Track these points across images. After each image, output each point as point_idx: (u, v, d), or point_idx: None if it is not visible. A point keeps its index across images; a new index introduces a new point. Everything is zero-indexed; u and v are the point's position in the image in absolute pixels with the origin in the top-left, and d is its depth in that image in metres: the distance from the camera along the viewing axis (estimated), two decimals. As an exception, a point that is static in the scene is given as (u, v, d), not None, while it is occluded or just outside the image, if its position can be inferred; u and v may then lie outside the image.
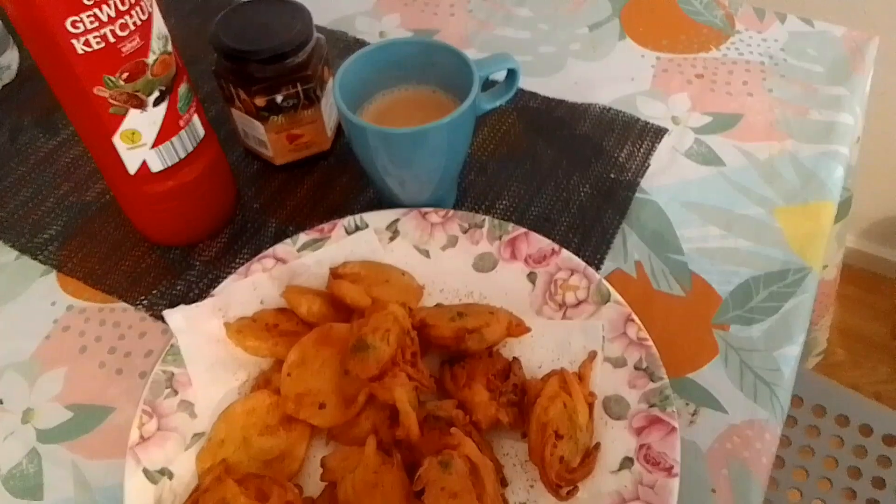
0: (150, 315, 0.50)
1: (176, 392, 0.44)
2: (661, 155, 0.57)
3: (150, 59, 0.43)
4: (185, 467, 0.41)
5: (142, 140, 0.46)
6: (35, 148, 0.61)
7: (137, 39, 0.42)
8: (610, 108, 0.61)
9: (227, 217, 0.55)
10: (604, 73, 0.64)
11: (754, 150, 0.57)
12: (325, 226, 0.51)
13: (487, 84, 0.51)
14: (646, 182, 0.56)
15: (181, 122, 0.47)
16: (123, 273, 0.53)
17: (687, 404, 0.44)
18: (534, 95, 0.63)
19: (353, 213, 0.53)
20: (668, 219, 0.53)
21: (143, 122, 0.45)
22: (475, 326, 0.43)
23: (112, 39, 0.41)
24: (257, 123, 0.54)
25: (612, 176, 0.56)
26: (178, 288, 0.51)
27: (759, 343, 0.47)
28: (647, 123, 0.60)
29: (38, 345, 0.49)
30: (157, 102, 0.45)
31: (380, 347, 0.40)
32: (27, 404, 0.47)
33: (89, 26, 0.39)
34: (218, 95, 0.56)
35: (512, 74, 0.50)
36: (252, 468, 0.40)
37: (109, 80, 0.42)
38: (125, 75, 0.42)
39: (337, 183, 0.57)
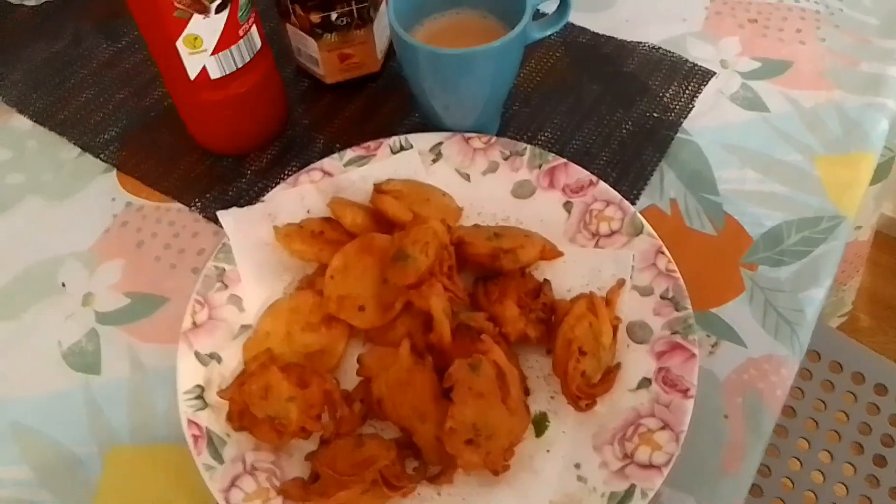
0: (203, 216, 0.53)
1: (226, 286, 0.47)
2: (707, 97, 0.58)
3: (216, -35, 0.45)
4: (232, 354, 0.44)
5: (203, 46, 0.48)
6: (97, 53, 0.64)
7: (205, -56, 0.43)
8: (658, 48, 0.61)
9: (277, 130, 0.57)
10: (655, 11, 0.64)
11: (800, 97, 0.57)
12: (371, 143, 0.52)
13: (538, 16, 0.51)
14: (688, 123, 0.56)
15: (240, 32, 0.49)
16: (179, 176, 0.55)
17: (708, 336, 0.46)
18: (583, 30, 0.63)
19: (398, 134, 0.55)
20: (707, 160, 0.54)
21: (205, 27, 0.47)
22: (510, 247, 0.45)
23: (181, -57, 0.42)
24: (311, 40, 0.56)
25: (654, 115, 0.57)
26: (230, 194, 0.54)
27: (785, 284, 0.48)
28: (694, 65, 0.60)
29: (99, 237, 0.52)
30: (219, 9, 0.46)
31: (419, 258, 0.42)
32: (87, 289, 0.50)
33: (161, -71, 0.41)
34: (273, 12, 0.57)
35: (563, 4, 0.51)
36: (293, 360, 0.43)
37: (176, -17, 0.44)
38: (191, -20, 0.44)
39: (384, 105, 0.59)
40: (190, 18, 0.46)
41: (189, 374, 0.43)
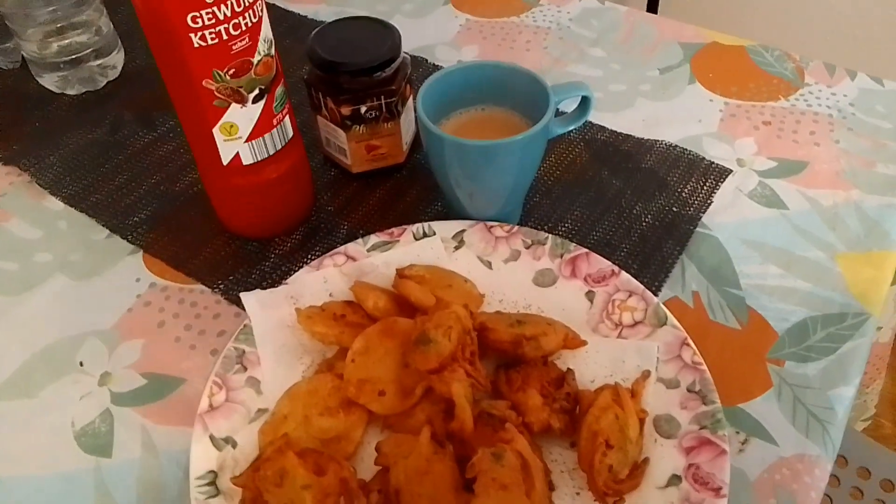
0: (225, 299, 0.53)
1: (245, 368, 0.46)
2: (725, 194, 0.59)
3: (256, 59, 0.47)
4: (248, 439, 0.43)
5: (238, 133, 0.49)
6: (133, 141, 0.66)
7: (247, 39, 0.46)
8: (676, 146, 0.62)
9: (303, 216, 0.58)
10: (672, 113, 0.66)
11: (818, 196, 0.58)
12: (395, 230, 0.53)
13: (559, 114, 0.53)
14: (707, 218, 0.57)
15: (274, 122, 0.51)
16: (204, 259, 0.56)
17: (737, 433, 0.45)
18: (602, 129, 0.65)
19: (421, 222, 0.56)
20: (728, 254, 0.54)
21: (242, 116, 0.49)
22: (533, 334, 0.45)
23: (225, 37, 0.45)
24: (340, 132, 0.58)
25: (674, 209, 0.58)
26: (253, 276, 0.55)
27: (814, 381, 0.47)
28: (711, 163, 0.61)
29: (121, 316, 0.53)
30: (256, 100, 0.49)
31: (441, 342, 0.42)
32: (105, 368, 0.50)
33: (207, 22, 0.43)
34: (305, 105, 0.59)
35: (585, 102, 0.53)
36: (310, 445, 0.42)
37: (218, 74, 0.46)
38: (232, 71, 0.46)
39: (408, 194, 0.60)
40: (228, 107, 0.48)
41: (203, 458, 0.42)
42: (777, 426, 0.45)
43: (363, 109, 0.56)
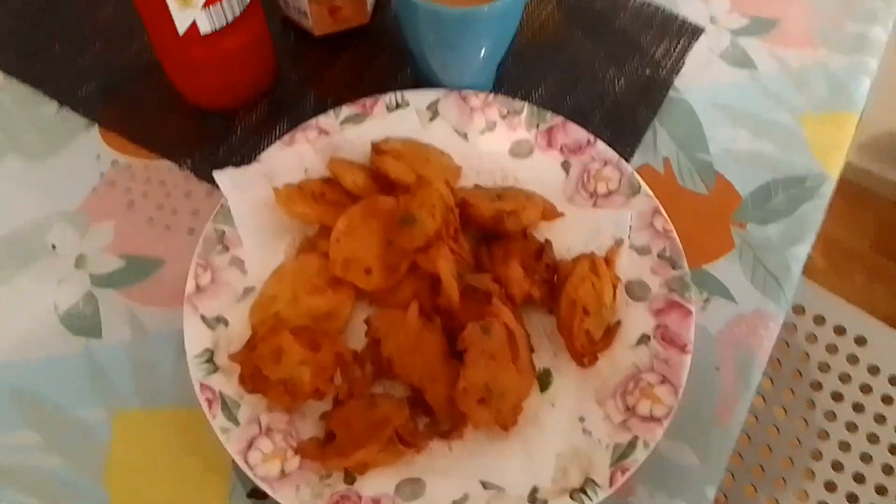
0: (195, 175, 0.52)
1: (227, 248, 0.46)
2: (697, 54, 0.58)
3: (209, -86, 0.43)
4: (238, 317, 0.44)
5: (194, 1, 0.46)
6: (70, 1, 0.60)
7: None
8: (649, 4, 0.61)
9: (267, 86, 0.56)
10: (646, -35, 0.64)
11: (787, 56, 0.58)
12: (367, 101, 0.52)
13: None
14: (679, 81, 0.57)
15: (232, -16, 0.47)
16: (166, 134, 0.54)
17: (701, 292, 0.48)
18: (574, -16, 0.62)
19: (391, 90, 0.55)
20: (699, 119, 0.55)
21: (198, -19, 0.45)
22: (513, 209, 0.46)
23: None
24: (301, -8, 0.54)
25: (646, 73, 0.57)
26: (222, 152, 0.53)
27: (773, 242, 0.50)
28: (684, 21, 0.60)
29: (86, 196, 0.51)
30: (212, -38, 0.45)
31: (426, 221, 0.43)
32: (79, 251, 0.49)
33: None
34: (260, -41, 0.55)
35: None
36: (300, 323, 0.44)
37: (169, -66, 0.42)
38: (184, -70, 0.42)
39: (375, 60, 0.58)
40: (181, -30, 0.44)
41: (197, 338, 0.43)
42: (737, 285, 0.48)
43: (325, -33, 0.52)
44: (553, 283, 0.45)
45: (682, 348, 0.43)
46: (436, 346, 0.42)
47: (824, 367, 0.79)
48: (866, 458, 0.75)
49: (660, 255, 0.46)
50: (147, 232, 0.50)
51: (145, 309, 0.47)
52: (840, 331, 0.81)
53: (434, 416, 0.42)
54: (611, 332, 0.44)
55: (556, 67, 0.57)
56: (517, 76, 0.57)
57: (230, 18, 0.48)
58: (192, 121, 0.54)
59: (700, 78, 0.57)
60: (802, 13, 0.61)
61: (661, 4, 0.61)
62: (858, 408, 0.77)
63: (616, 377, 0.43)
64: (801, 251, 0.50)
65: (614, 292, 0.45)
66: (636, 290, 0.46)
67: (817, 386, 0.78)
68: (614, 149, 0.52)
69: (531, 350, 0.44)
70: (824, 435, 0.75)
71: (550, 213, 0.47)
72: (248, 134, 0.54)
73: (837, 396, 0.78)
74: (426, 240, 0.43)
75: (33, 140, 0.54)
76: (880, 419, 0.76)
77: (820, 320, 0.82)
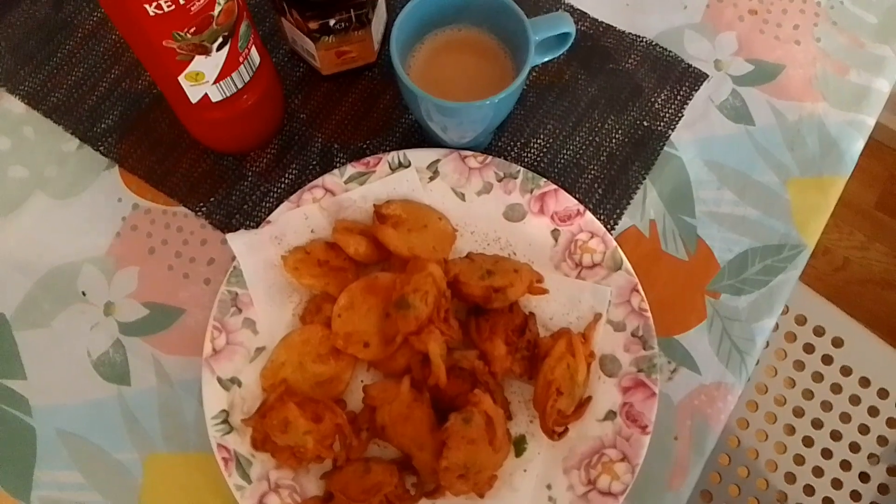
0: (210, 223, 0.56)
1: (240, 310, 0.51)
2: (696, 105, 0.59)
3: (216, 10, 0.44)
4: (251, 377, 0.50)
5: (205, 79, 0.48)
6: (81, 19, 0.61)
7: (205, -2, 0.42)
8: (656, 45, 0.61)
9: (276, 128, 0.58)
10: (658, -5, 0.63)
11: (786, 109, 0.59)
12: (371, 159, 0.54)
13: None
14: (676, 135, 0.58)
15: (241, 59, 0.48)
16: (181, 176, 0.57)
17: (669, 362, 0.53)
18: (583, 15, 0.62)
19: (394, 135, 0.57)
20: (689, 177, 0.57)
21: (207, 64, 0.46)
22: (501, 286, 0.50)
23: (182, 1, 0.41)
24: (308, 40, 0.55)
25: (644, 124, 0.58)
26: (234, 198, 0.56)
27: (742, 313, 0.54)
28: (689, 66, 0.60)
29: (111, 242, 0.55)
30: (220, 48, 0.46)
31: (419, 307, 0.47)
32: (107, 298, 0.54)
33: (162, -5, 0.40)
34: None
35: (564, 36, 0.50)
36: (306, 387, 0.49)
37: (178, 35, 0.43)
38: (192, 30, 0.43)
39: (381, 98, 0.59)
40: (192, 60, 0.45)
41: (214, 399, 0.49)
42: (703, 356, 0.53)
43: (332, 22, 0.53)
44: (534, 355, 0.50)
45: (644, 429, 0.48)
46: (424, 417, 0.48)
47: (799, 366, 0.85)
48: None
49: (633, 334, 0.50)
50: (167, 280, 0.54)
51: (169, 358, 0.52)
52: (839, 342, 0.86)
53: (420, 478, 0.48)
54: (582, 406, 0.49)
55: (556, 113, 0.59)
56: (518, 122, 0.58)
57: (240, 86, 0.50)
58: (206, 162, 0.57)
59: (696, 130, 0.58)
60: (809, 58, 0.61)
61: (669, 44, 0.61)
62: (826, 406, 0.84)
63: (582, 447, 0.49)
64: (768, 324, 0.54)
65: (588, 369, 0.50)
66: (608, 365, 0.50)
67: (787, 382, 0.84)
68: (604, 208, 0.55)
69: (509, 417, 0.50)
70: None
71: (535, 288, 0.51)
72: (259, 178, 0.57)
73: (808, 394, 0.84)
74: (418, 324, 0.47)
75: (57, 177, 0.57)
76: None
77: (820, 331, 0.86)
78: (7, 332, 0.53)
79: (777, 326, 0.87)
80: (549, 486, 0.48)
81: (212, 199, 0.56)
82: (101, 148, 0.58)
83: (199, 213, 0.56)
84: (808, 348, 0.86)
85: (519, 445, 0.50)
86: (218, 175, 0.57)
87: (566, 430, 0.49)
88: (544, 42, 0.51)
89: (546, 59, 0.52)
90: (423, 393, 0.48)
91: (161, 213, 0.56)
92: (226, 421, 0.48)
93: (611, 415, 0.49)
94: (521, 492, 0.48)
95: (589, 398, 0.50)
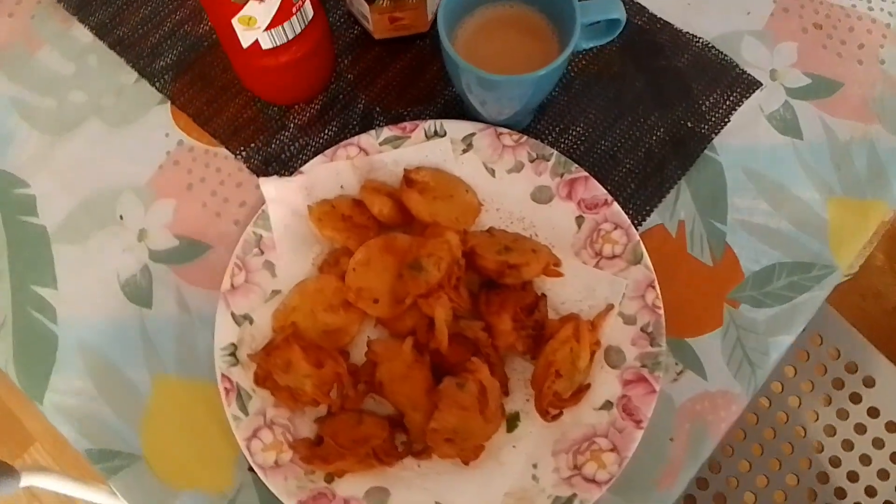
0: (247, 167, 0.58)
1: (262, 252, 0.53)
2: (745, 112, 0.58)
3: (274, -44, 0.45)
4: (263, 317, 0.52)
5: (257, 24, 0.49)
6: (154, -38, 0.64)
7: (264, -57, 0.44)
8: (712, 47, 0.60)
9: (323, 85, 0.59)
10: (722, -2, 0.62)
11: (838, 126, 0.57)
12: (408, 125, 0.55)
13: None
14: (719, 139, 0.57)
15: (294, 10, 0.50)
16: (227, 119, 0.59)
17: (677, 364, 0.52)
18: (642, 10, 0.61)
19: (435, 106, 0.58)
20: (725, 183, 0.56)
21: (260, 10, 0.48)
22: (516, 263, 0.50)
23: (241, -58, 0.43)
24: (364, 2, 0.56)
25: (688, 125, 0.58)
26: (273, 147, 0.58)
27: (760, 326, 0.53)
28: (743, 72, 0.59)
29: (154, 173, 0.58)
30: (274, -7, 0.48)
31: (431, 271, 0.48)
32: (142, 225, 0.56)
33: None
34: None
35: (614, 22, 0.50)
36: (314, 334, 0.50)
37: (234, -24, 0.45)
38: (249, -28, 0.45)
39: (428, 68, 0.60)
40: (246, 3, 0.47)
41: (225, 332, 0.50)
42: (712, 363, 0.52)
43: (388, -15, 0.54)
44: (539, 336, 0.50)
45: (638, 423, 0.48)
46: (422, 379, 0.48)
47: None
48: None
49: (643, 329, 0.50)
50: (200, 215, 0.56)
51: (191, 288, 0.55)
52: (852, 368, 0.83)
53: (410, 437, 0.49)
54: (580, 392, 0.49)
55: (599, 103, 0.59)
56: (560, 107, 0.58)
57: (291, 37, 0.52)
58: (251, 109, 0.59)
59: (740, 138, 0.57)
60: (870, 78, 0.59)
61: (726, 48, 0.60)
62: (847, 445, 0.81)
63: (574, 433, 0.49)
64: (786, 341, 0.52)
65: (591, 357, 0.50)
66: (612, 357, 0.50)
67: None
68: (634, 203, 0.55)
69: (506, 393, 0.50)
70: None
71: (551, 271, 0.51)
72: (299, 130, 0.58)
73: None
74: (428, 288, 0.48)
75: (112, 106, 0.60)
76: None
77: (835, 353, 0.84)
78: (46, 244, 0.56)
79: (808, 356, 0.84)
80: (535, 465, 0.48)
81: (252, 145, 0.58)
82: (157, 84, 0.60)
83: (239, 157, 0.58)
84: (838, 384, 0.83)
85: (512, 422, 0.50)
86: (261, 123, 0.59)
87: (561, 413, 0.49)
88: (593, 27, 0.51)
89: (593, 45, 0.52)
90: (425, 356, 0.49)
91: (203, 153, 0.58)
92: (233, 354, 0.50)
93: (608, 405, 0.49)
94: (507, 466, 0.48)
95: (588, 385, 0.50)
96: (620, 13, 0.49)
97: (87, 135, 0.59)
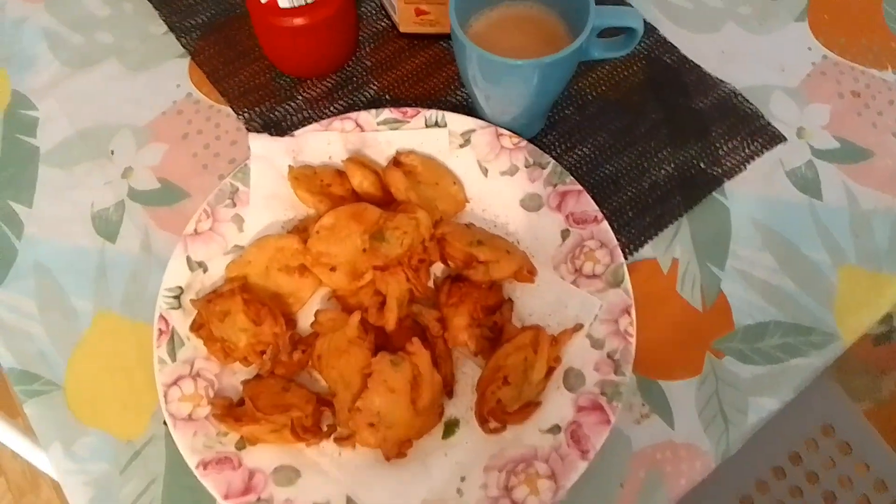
0: (246, 127, 0.57)
1: (234, 205, 0.51)
2: (762, 163, 0.55)
3: None
4: (217, 268, 0.49)
5: (275, -22, 0.50)
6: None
7: None
8: (739, 94, 0.57)
9: (339, 63, 0.59)
10: (758, 50, 0.60)
11: (861, 194, 0.54)
12: (409, 110, 0.54)
13: (607, 32, 0.49)
14: (730, 185, 0.54)
15: (316, -28, 0.50)
16: (239, 81, 0.59)
17: (643, 405, 0.47)
18: (672, 49, 0.60)
19: (444, 105, 0.57)
20: (730, 229, 0.52)
21: (281, -37, 0.49)
22: (486, 259, 0.47)
23: None
24: (392, -13, 0.56)
25: (701, 165, 0.55)
26: (276, 114, 0.57)
27: (743, 383, 0.47)
28: (768, 124, 0.56)
29: (155, 117, 0.58)
30: (296, -51, 0.48)
31: (393, 245, 0.45)
32: (130, 163, 0.56)
33: None
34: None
35: (631, 32, 0.49)
36: (264, 294, 0.48)
37: (258, -82, 0.45)
38: (273, -82, 0.45)
39: (443, 70, 0.59)
40: (266, -49, 0.48)
41: (176, 274, 0.48)
42: (682, 412, 0.47)
43: (417, -27, 0.54)
44: (496, 340, 0.47)
45: (584, 453, 0.43)
46: (360, 358, 0.45)
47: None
48: None
49: (609, 355, 0.46)
50: (188, 164, 0.56)
51: (159, 232, 0.53)
52: (862, 469, 0.75)
53: (336, 419, 0.45)
54: (528, 408, 0.45)
55: (612, 128, 0.56)
56: (570, 126, 0.56)
57: (309, 0, 0.52)
58: (264, 77, 0.59)
59: (754, 188, 0.54)
60: (903, 153, 0.55)
61: (754, 98, 0.57)
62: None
63: (512, 452, 0.44)
64: (768, 404, 0.47)
65: (548, 373, 0.45)
66: (571, 379, 0.46)
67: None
68: (630, 231, 0.52)
69: (449, 396, 0.46)
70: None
71: (523, 275, 0.48)
72: (306, 103, 0.58)
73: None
74: (387, 261, 0.45)
75: (134, 51, 0.61)
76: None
77: (846, 448, 0.76)
78: (34, 165, 0.56)
79: (817, 446, 0.76)
80: (462, 479, 0.44)
81: (256, 109, 0.58)
82: (183, 39, 0.61)
83: (241, 117, 0.57)
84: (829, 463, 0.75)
85: (450, 427, 0.46)
86: (271, 90, 0.59)
87: (503, 427, 0.45)
88: (610, 38, 0.50)
89: (608, 56, 0.50)
90: (370, 335, 0.46)
91: (207, 107, 0.58)
92: (177, 297, 0.48)
93: (555, 429, 0.44)
94: (432, 472, 0.44)
95: (538, 403, 0.45)
96: (637, 23, 0.48)
97: (104, 72, 0.60)
